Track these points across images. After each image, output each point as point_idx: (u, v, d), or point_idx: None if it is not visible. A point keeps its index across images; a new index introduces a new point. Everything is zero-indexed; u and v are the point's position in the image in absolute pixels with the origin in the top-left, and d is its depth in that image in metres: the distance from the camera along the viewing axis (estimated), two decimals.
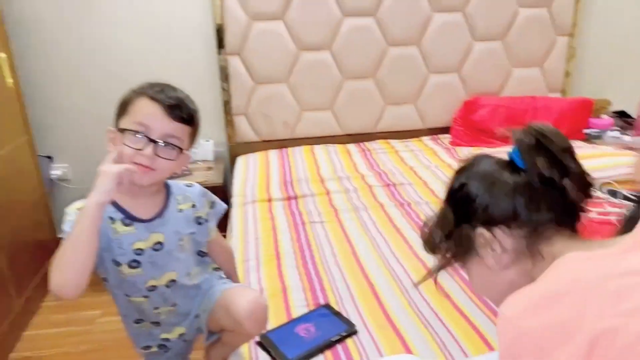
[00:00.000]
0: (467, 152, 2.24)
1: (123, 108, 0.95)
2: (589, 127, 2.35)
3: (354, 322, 1.13)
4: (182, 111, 0.94)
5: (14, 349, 1.83)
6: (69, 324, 1.97)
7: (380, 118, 2.42)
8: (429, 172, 2.04)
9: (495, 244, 0.63)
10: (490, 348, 1.02)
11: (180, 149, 0.96)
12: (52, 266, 0.87)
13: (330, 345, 1.07)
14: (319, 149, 2.34)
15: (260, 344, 1.09)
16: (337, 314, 1.16)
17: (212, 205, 1.13)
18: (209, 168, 2.25)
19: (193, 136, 1.00)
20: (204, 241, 1.12)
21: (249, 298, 1.03)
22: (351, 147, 2.36)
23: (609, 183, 1.59)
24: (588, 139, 2.33)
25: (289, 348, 1.06)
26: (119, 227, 0.96)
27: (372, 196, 1.83)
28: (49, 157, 2.33)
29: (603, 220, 1.30)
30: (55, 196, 2.37)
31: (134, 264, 0.99)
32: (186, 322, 1.13)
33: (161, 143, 0.92)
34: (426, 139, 2.43)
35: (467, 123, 2.32)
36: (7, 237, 1.83)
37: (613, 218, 1.31)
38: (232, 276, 1.21)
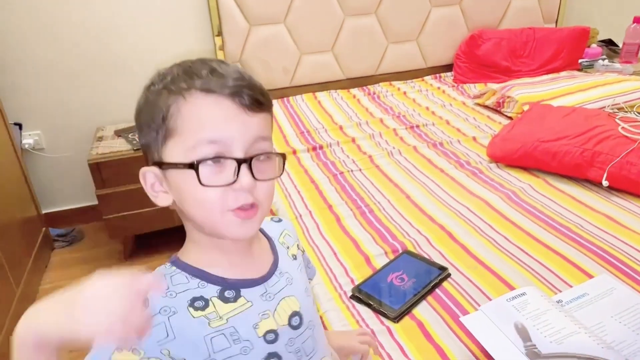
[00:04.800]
0: (474, 88, 2.22)
1: (159, 126, 0.54)
2: (582, 57, 2.40)
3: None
4: (258, 93, 0.54)
5: None
6: None
7: (383, 58, 2.31)
8: (445, 110, 2.00)
9: None
10: (589, 276, 1.03)
11: (281, 154, 0.58)
12: None
13: (430, 290, 1.03)
14: (322, 95, 2.21)
15: (355, 297, 1.02)
16: (423, 259, 1.12)
17: (300, 246, 0.73)
18: None
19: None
20: None
21: None
22: (355, 91, 2.25)
23: None
24: (581, 68, 2.38)
25: (390, 298, 1.00)
26: (220, 308, 0.54)
27: (400, 139, 1.77)
28: (18, 125, 2.04)
29: None
30: (30, 168, 2.09)
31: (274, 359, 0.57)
32: None
33: (254, 157, 0.54)
34: (429, 78, 2.38)
35: (471, 58, 2.28)
36: None
37: None
38: None
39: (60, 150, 2.13)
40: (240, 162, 0.52)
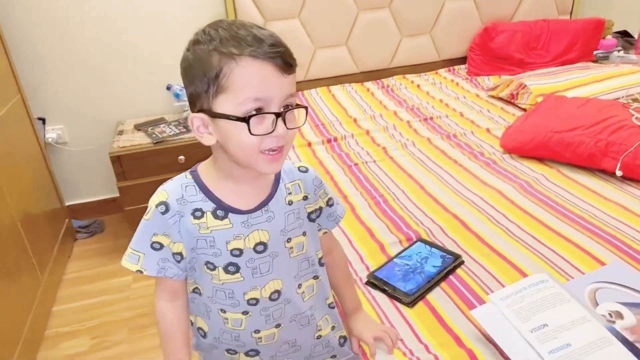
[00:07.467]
0: (488, 81, 2.22)
1: (211, 81, 0.64)
2: (597, 48, 2.38)
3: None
4: (293, 59, 0.67)
5: (47, 326, 1.72)
6: (101, 293, 1.86)
7: (397, 52, 2.33)
8: (459, 103, 2.01)
9: None
10: (602, 263, 1.04)
11: (304, 106, 0.71)
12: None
13: (443, 277, 1.05)
14: (336, 89, 2.24)
15: (371, 283, 1.06)
16: (437, 247, 1.14)
17: (329, 202, 0.84)
18: None
19: None
20: (318, 245, 0.85)
21: None
22: (369, 84, 2.28)
23: None
24: (596, 60, 2.37)
25: (404, 284, 1.03)
26: (210, 220, 0.72)
27: (414, 131, 1.79)
28: (42, 119, 2.10)
29: None
30: (54, 161, 2.16)
31: (232, 268, 0.75)
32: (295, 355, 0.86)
33: (287, 111, 0.66)
34: (442, 71, 2.39)
35: (485, 51, 2.28)
36: (20, 208, 1.66)
37: None
38: (342, 293, 0.93)
39: (83, 144, 2.19)
40: (277, 115, 0.65)
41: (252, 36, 0.63)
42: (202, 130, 0.68)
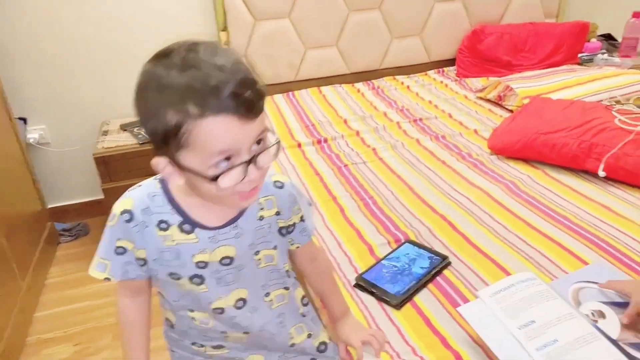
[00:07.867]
0: (477, 82, 2.24)
1: (170, 136, 0.58)
2: (582, 51, 2.41)
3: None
4: (259, 98, 0.60)
5: (28, 333, 1.68)
6: (85, 298, 1.83)
7: (387, 53, 2.34)
8: (448, 104, 2.02)
9: None
10: (585, 263, 1.05)
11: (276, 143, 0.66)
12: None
13: (431, 279, 1.06)
14: (327, 90, 2.24)
15: (358, 285, 1.05)
16: (425, 248, 1.15)
17: (302, 217, 0.81)
18: None
19: None
20: (286, 259, 0.84)
21: None
22: (359, 85, 2.28)
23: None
24: (581, 62, 2.40)
25: (392, 286, 1.03)
26: (175, 233, 0.70)
27: (404, 132, 1.80)
28: (23, 119, 2.06)
29: None
30: (36, 162, 2.12)
31: (197, 279, 0.74)
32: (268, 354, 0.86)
33: (258, 155, 0.62)
34: (432, 73, 2.40)
35: (474, 53, 2.30)
36: (0, 212, 1.63)
37: None
38: (328, 300, 0.91)
39: (66, 145, 2.16)
40: (248, 162, 0.61)
41: (209, 86, 0.55)
42: (169, 171, 0.63)
